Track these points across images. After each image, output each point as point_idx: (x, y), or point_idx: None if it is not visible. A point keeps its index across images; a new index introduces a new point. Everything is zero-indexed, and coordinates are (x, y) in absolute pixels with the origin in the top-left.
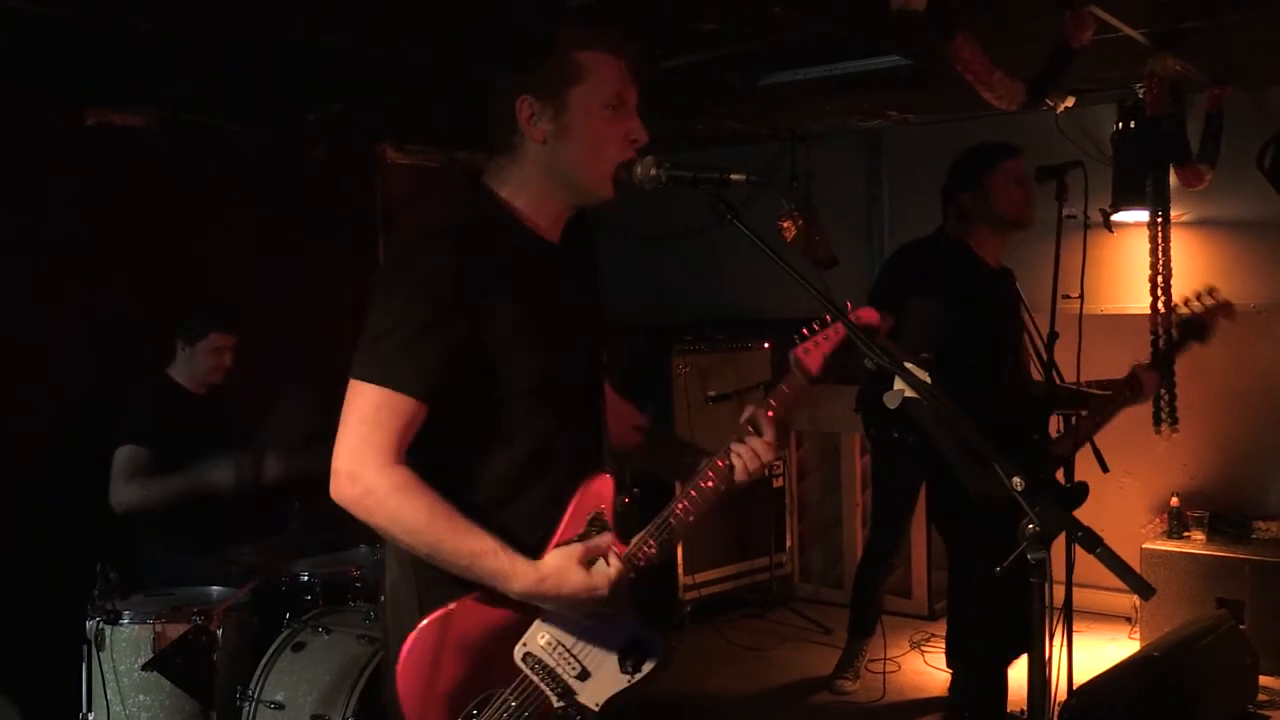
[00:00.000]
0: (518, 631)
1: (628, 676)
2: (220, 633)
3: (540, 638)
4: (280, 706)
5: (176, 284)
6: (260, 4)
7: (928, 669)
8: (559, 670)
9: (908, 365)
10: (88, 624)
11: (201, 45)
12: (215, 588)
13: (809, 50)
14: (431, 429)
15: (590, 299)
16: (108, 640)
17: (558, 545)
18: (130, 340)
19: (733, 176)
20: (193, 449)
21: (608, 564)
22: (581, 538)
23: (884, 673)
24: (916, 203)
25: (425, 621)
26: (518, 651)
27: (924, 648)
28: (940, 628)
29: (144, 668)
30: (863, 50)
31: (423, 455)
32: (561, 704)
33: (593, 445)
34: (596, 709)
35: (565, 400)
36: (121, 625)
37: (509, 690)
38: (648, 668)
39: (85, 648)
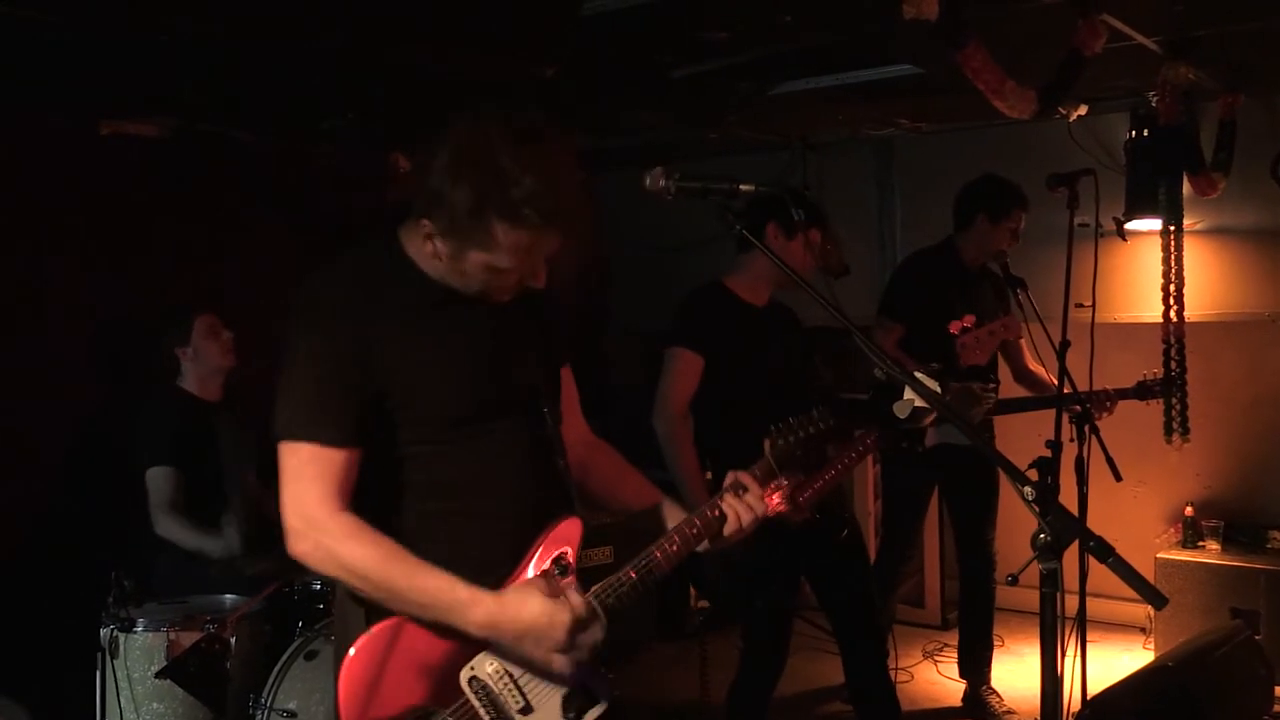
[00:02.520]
0: (466, 655)
1: None
2: (233, 641)
3: (489, 665)
4: (293, 715)
5: (190, 294)
6: (273, 14)
7: (941, 679)
8: (502, 700)
9: (917, 375)
10: (102, 632)
11: (214, 55)
12: (228, 596)
13: (820, 59)
14: (361, 476)
15: (514, 339)
16: (121, 648)
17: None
18: (144, 350)
19: (742, 187)
20: (215, 458)
21: (569, 600)
22: (544, 574)
23: (896, 683)
24: (928, 211)
25: (374, 629)
26: (464, 674)
27: (937, 657)
28: (953, 637)
29: (157, 675)
30: (874, 59)
31: (361, 504)
32: None
33: (532, 479)
34: None
35: (487, 434)
36: (135, 633)
37: (449, 711)
38: (591, 715)
39: (99, 655)
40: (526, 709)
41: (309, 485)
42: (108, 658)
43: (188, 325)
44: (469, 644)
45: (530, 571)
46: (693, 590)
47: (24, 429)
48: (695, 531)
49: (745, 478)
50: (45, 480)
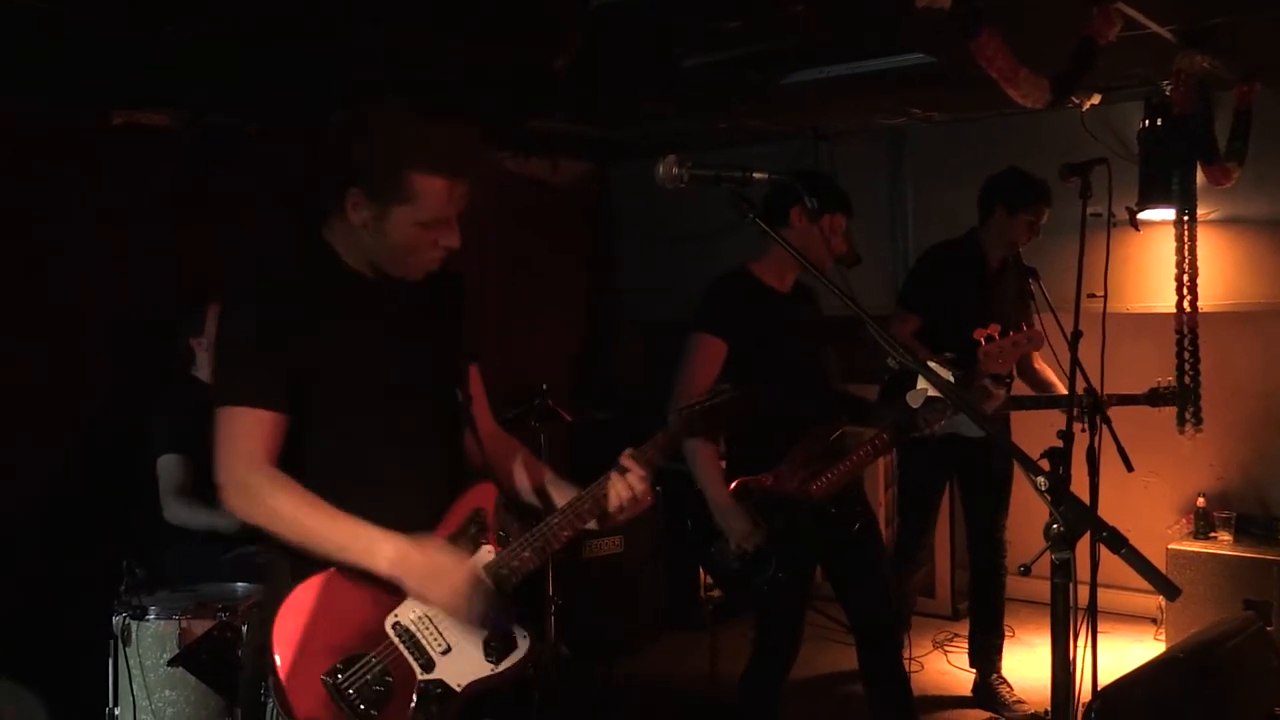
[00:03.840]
0: (390, 603)
1: (491, 665)
2: (245, 629)
3: (412, 612)
4: None
5: (202, 285)
6: (285, 6)
7: (951, 669)
8: (424, 642)
9: (931, 364)
10: (114, 619)
11: (227, 47)
12: (240, 584)
13: (832, 48)
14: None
15: (422, 326)
16: (134, 636)
17: (445, 536)
18: (157, 341)
19: (755, 175)
20: None
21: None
22: (460, 530)
23: (908, 672)
24: (940, 201)
25: (303, 584)
26: (388, 620)
27: (947, 647)
28: (963, 628)
29: (169, 663)
30: (887, 48)
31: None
32: (425, 675)
33: (442, 453)
34: (458, 689)
35: (395, 413)
36: (147, 621)
37: (373, 652)
38: (511, 660)
39: (111, 643)
40: (447, 650)
41: (240, 444)
42: (120, 645)
43: (202, 314)
44: (393, 593)
45: (447, 529)
46: (703, 580)
47: (38, 419)
48: (586, 508)
49: (627, 458)
50: (59, 469)
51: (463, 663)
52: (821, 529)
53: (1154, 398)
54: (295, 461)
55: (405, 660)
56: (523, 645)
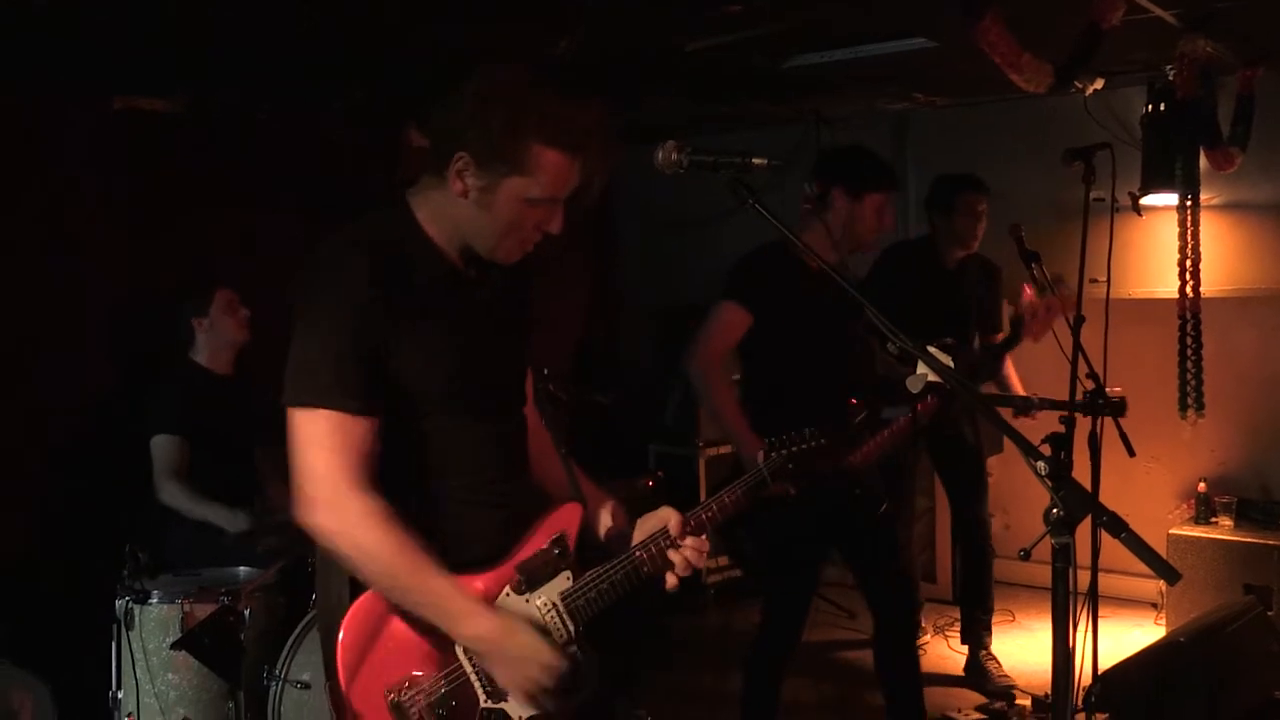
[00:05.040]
0: None
1: None
2: (247, 613)
3: None
4: (306, 686)
5: (203, 269)
6: None
7: (951, 653)
8: None
9: (930, 349)
10: (117, 604)
11: (227, 31)
12: (242, 568)
13: (835, 32)
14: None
15: (502, 324)
16: (137, 620)
17: (518, 563)
18: (158, 325)
19: (755, 161)
20: (221, 431)
21: (558, 650)
22: (542, 554)
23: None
24: None
25: (366, 596)
26: (459, 642)
27: (947, 632)
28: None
29: (172, 647)
30: (889, 32)
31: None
32: (489, 703)
33: (510, 461)
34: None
35: (473, 415)
36: (150, 605)
37: (442, 674)
38: (578, 695)
39: (114, 627)
40: None
41: (330, 456)
42: (123, 629)
43: (208, 297)
44: None
45: (528, 551)
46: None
47: (39, 403)
48: (646, 570)
49: (680, 530)
50: (61, 453)
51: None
52: (842, 510)
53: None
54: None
55: (471, 686)
56: (591, 680)
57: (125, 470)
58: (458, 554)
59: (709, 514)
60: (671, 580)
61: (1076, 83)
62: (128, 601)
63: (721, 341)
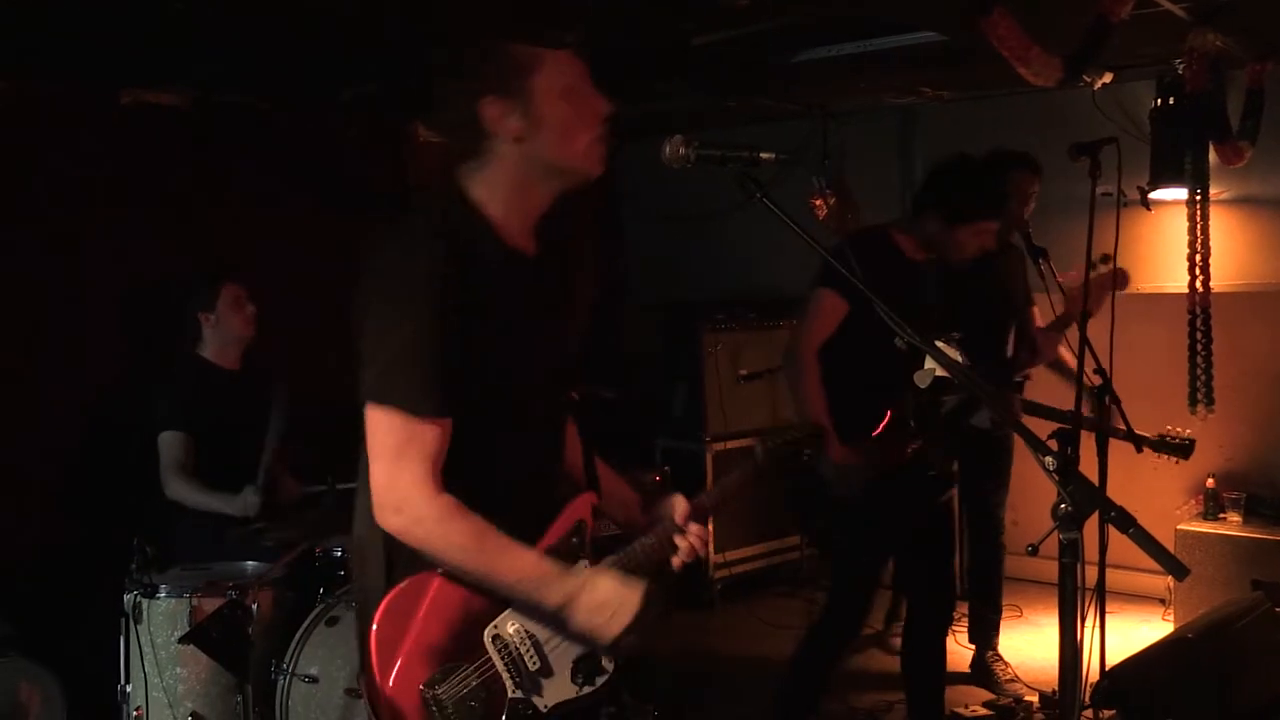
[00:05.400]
0: (489, 613)
1: (576, 687)
2: (255, 607)
3: (510, 625)
4: (314, 680)
5: (210, 263)
6: None
7: (956, 647)
8: (523, 659)
9: (939, 344)
10: (125, 597)
11: (235, 24)
12: (250, 563)
13: (842, 26)
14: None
15: (560, 306)
16: (145, 613)
17: (543, 549)
18: (164, 319)
19: (762, 155)
20: (228, 426)
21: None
22: (562, 542)
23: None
24: None
25: (401, 586)
26: (487, 632)
27: (955, 628)
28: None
29: (180, 641)
30: (897, 26)
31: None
32: (518, 694)
33: (553, 453)
34: (545, 710)
35: (525, 408)
36: (158, 599)
37: (472, 666)
38: (596, 683)
39: (123, 621)
40: (545, 671)
41: (408, 464)
42: (131, 623)
43: (215, 292)
44: (492, 603)
45: (550, 539)
46: (711, 558)
47: (49, 397)
48: (654, 559)
49: (684, 517)
50: (70, 448)
51: (553, 683)
52: (917, 491)
53: (1161, 444)
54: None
55: (500, 676)
56: (608, 668)
57: (133, 464)
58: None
59: (711, 502)
60: (674, 563)
61: (1085, 77)
62: (136, 595)
63: (819, 332)
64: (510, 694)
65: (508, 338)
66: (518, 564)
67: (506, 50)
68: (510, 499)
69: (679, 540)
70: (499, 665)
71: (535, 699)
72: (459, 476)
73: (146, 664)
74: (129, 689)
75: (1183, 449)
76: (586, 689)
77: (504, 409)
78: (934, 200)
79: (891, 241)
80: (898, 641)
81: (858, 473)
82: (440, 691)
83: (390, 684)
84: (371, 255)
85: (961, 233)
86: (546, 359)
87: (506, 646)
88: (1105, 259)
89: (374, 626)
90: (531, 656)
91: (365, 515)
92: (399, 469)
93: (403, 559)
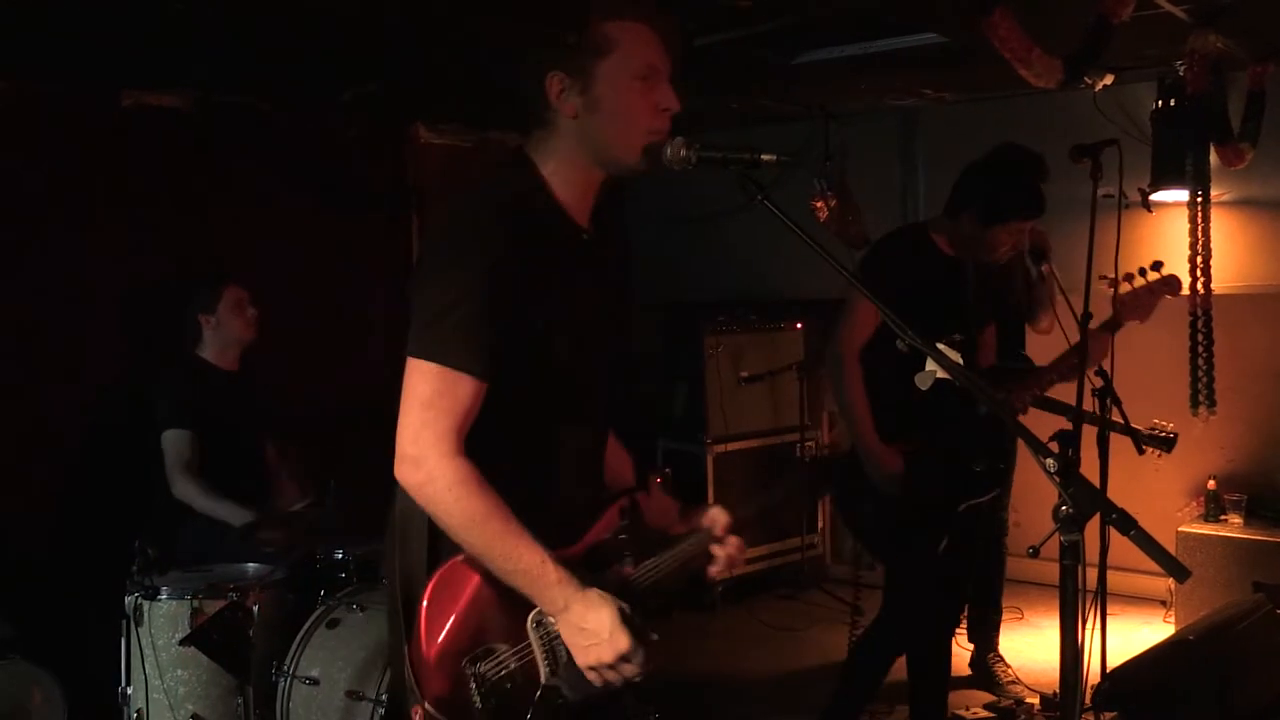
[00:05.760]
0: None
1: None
2: (256, 609)
3: None
4: (315, 682)
5: (212, 264)
6: None
7: (958, 649)
8: (560, 649)
9: (940, 346)
10: (127, 599)
11: (236, 25)
12: (251, 565)
13: (844, 27)
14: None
15: (612, 291)
16: (146, 616)
17: (588, 546)
18: (164, 321)
19: (764, 157)
20: (226, 426)
21: (630, 631)
22: (608, 540)
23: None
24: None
25: (459, 559)
26: (531, 615)
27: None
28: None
29: (181, 643)
30: (899, 27)
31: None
32: (552, 680)
33: (600, 437)
34: (574, 699)
35: (577, 390)
36: (160, 601)
37: (512, 650)
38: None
39: (124, 623)
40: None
41: (438, 416)
42: (132, 625)
43: (217, 294)
44: None
45: (596, 535)
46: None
47: (49, 399)
48: (691, 563)
49: (722, 527)
50: (71, 449)
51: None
52: (965, 486)
53: (1148, 438)
54: (477, 430)
55: (537, 661)
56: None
57: (134, 466)
58: (543, 527)
59: (750, 514)
60: (713, 571)
61: (1086, 78)
62: (137, 597)
63: (858, 332)
64: (544, 679)
65: (562, 308)
66: (518, 554)
67: (585, 24)
68: (558, 482)
69: (716, 550)
70: (538, 651)
71: (565, 689)
72: (506, 454)
73: (147, 666)
74: (130, 691)
75: (1166, 442)
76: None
77: (554, 384)
78: (970, 200)
79: (930, 240)
80: None
81: (899, 471)
82: (483, 669)
83: (436, 658)
84: (440, 218)
85: (996, 233)
86: (598, 341)
87: (548, 634)
88: (1156, 265)
89: (425, 602)
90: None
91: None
92: (424, 421)
93: (442, 543)
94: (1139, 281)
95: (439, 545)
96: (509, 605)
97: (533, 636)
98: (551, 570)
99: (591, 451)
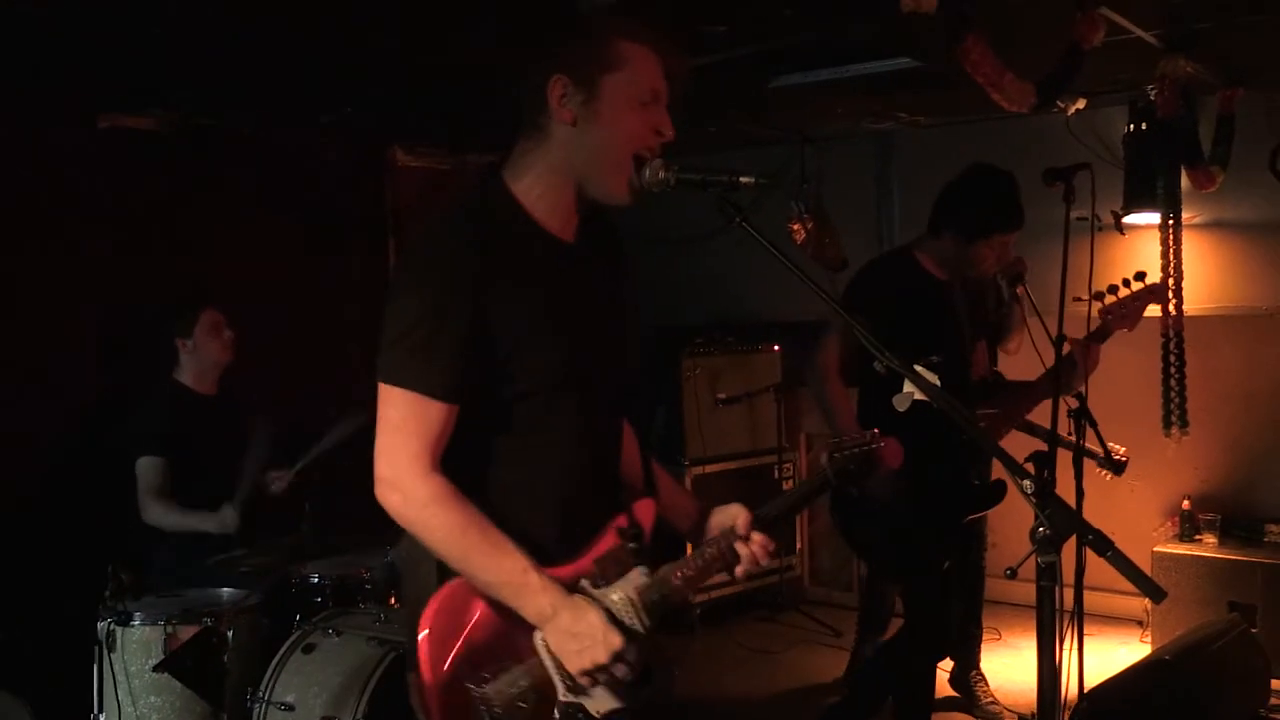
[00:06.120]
0: None
1: (626, 696)
2: (231, 634)
3: None
4: (290, 708)
5: (187, 287)
6: (271, 7)
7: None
8: None
9: (917, 368)
10: (99, 625)
11: (213, 48)
12: (225, 589)
13: (820, 52)
14: (454, 431)
15: (605, 301)
16: (119, 641)
17: (595, 557)
18: (141, 344)
19: (742, 179)
20: (205, 451)
21: (622, 628)
22: (617, 549)
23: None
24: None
25: (458, 580)
26: (538, 634)
27: None
28: None
29: (155, 669)
30: (873, 52)
31: (451, 460)
32: (569, 698)
33: (607, 449)
34: (598, 715)
35: (577, 401)
36: (133, 626)
37: (523, 668)
38: (645, 692)
39: (96, 649)
40: None
41: (407, 439)
42: (105, 651)
43: (193, 318)
44: None
45: (604, 546)
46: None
47: (23, 422)
48: (715, 566)
49: (747, 525)
50: (43, 473)
51: (603, 690)
52: (959, 498)
53: (1106, 461)
54: (464, 449)
55: (551, 679)
56: (658, 678)
57: (108, 490)
58: (541, 541)
59: (775, 512)
60: (739, 572)
61: (1059, 102)
62: (110, 623)
63: (841, 348)
64: (561, 696)
65: (546, 321)
66: (498, 565)
67: (598, 35)
68: (564, 495)
69: (740, 549)
70: (550, 667)
71: (586, 704)
72: (508, 468)
73: (120, 692)
74: (102, 718)
75: (1117, 465)
76: (636, 697)
77: (549, 397)
78: (951, 218)
79: (916, 262)
80: None
81: (889, 478)
82: (491, 692)
83: (441, 684)
84: (409, 243)
85: (980, 248)
86: (593, 349)
87: None
88: (1140, 275)
89: (424, 626)
90: None
91: None
92: (395, 445)
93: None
94: (1124, 292)
95: (448, 571)
96: (515, 623)
97: (543, 652)
98: (534, 578)
99: (594, 464)
